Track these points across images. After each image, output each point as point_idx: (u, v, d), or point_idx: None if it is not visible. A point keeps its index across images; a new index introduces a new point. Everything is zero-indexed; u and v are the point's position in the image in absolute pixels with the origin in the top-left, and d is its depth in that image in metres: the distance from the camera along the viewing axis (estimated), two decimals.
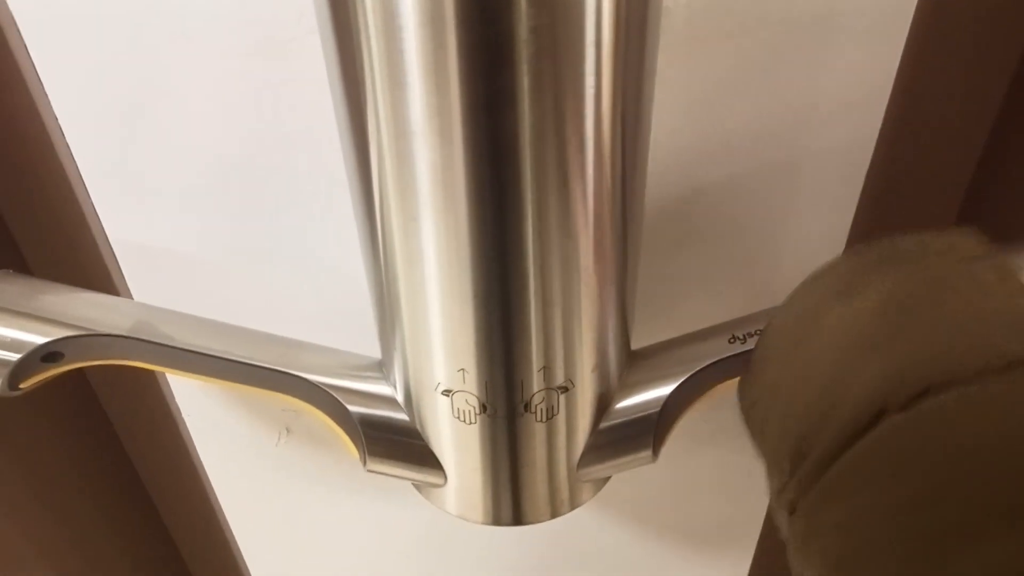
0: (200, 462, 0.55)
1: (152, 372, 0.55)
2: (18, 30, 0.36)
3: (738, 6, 0.36)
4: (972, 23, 0.44)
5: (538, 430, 0.34)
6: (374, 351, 0.38)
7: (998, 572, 0.18)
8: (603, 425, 0.37)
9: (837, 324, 0.25)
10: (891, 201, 0.50)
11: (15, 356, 0.36)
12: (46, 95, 0.38)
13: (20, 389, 0.37)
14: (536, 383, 0.32)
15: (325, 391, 0.37)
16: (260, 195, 0.41)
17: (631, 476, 0.42)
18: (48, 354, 0.37)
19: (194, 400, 0.51)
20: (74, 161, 0.40)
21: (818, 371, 0.25)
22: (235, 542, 0.61)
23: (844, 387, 0.23)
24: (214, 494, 0.57)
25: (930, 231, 0.27)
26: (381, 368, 0.38)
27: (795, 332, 0.27)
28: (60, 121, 0.39)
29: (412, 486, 0.41)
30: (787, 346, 0.27)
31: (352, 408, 0.37)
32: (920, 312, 0.24)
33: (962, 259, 0.26)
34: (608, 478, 0.41)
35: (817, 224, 0.43)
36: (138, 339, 0.37)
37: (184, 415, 0.51)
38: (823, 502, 0.23)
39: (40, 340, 0.36)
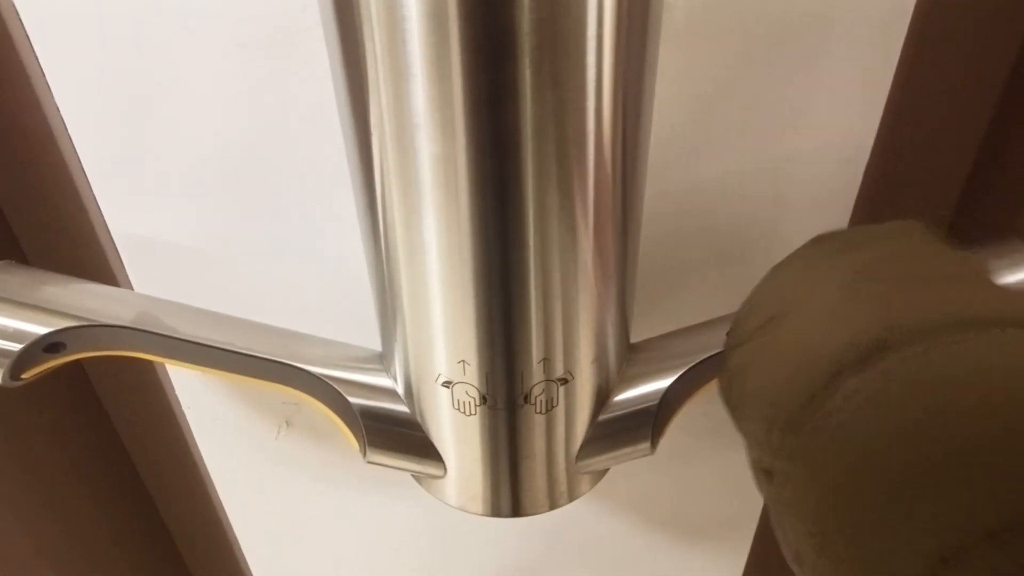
0: (200, 455, 0.55)
1: (152, 365, 0.55)
2: (21, 23, 0.37)
3: (738, 3, 0.36)
4: (971, 21, 0.44)
5: (538, 422, 0.35)
6: (375, 343, 0.38)
7: (952, 520, 0.19)
8: (602, 417, 0.37)
9: (802, 301, 0.27)
10: (889, 197, 0.50)
11: (17, 346, 0.36)
12: (49, 88, 0.38)
13: (22, 379, 0.38)
14: (536, 375, 0.33)
15: (326, 383, 0.37)
16: (262, 187, 0.41)
17: (629, 469, 0.42)
18: (50, 345, 0.37)
19: (194, 393, 0.51)
20: (76, 154, 0.40)
21: (784, 345, 0.26)
22: (234, 535, 0.61)
23: (806, 354, 0.25)
24: (213, 487, 0.57)
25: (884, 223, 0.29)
26: (382, 360, 0.38)
27: (763, 313, 0.29)
28: (63, 114, 0.39)
29: (412, 478, 0.41)
30: (756, 327, 0.28)
31: (352, 400, 0.37)
32: (876, 283, 0.26)
33: (916, 240, 0.28)
34: (606, 470, 0.41)
35: (816, 219, 0.44)
36: (140, 330, 0.37)
37: (184, 408, 0.52)
38: (796, 463, 0.24)
39: (42, 331, 0.37)
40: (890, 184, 0.49)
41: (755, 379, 0.27)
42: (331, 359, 0.38)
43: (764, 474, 0.26)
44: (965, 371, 0.22)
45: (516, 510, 0.38)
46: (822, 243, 0.30)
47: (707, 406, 0.46)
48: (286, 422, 0.52)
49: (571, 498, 0.39)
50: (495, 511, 0.38)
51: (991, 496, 0.19)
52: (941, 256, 0.27)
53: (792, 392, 0.24)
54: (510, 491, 0.37)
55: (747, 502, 0.58)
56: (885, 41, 0.38)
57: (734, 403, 0.29)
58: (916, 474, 0.21)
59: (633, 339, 0.38)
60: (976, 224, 0.52)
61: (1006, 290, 0.27)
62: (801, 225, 0.44)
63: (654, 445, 0.37)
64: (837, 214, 0.44)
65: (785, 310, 0.27)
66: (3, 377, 0.37)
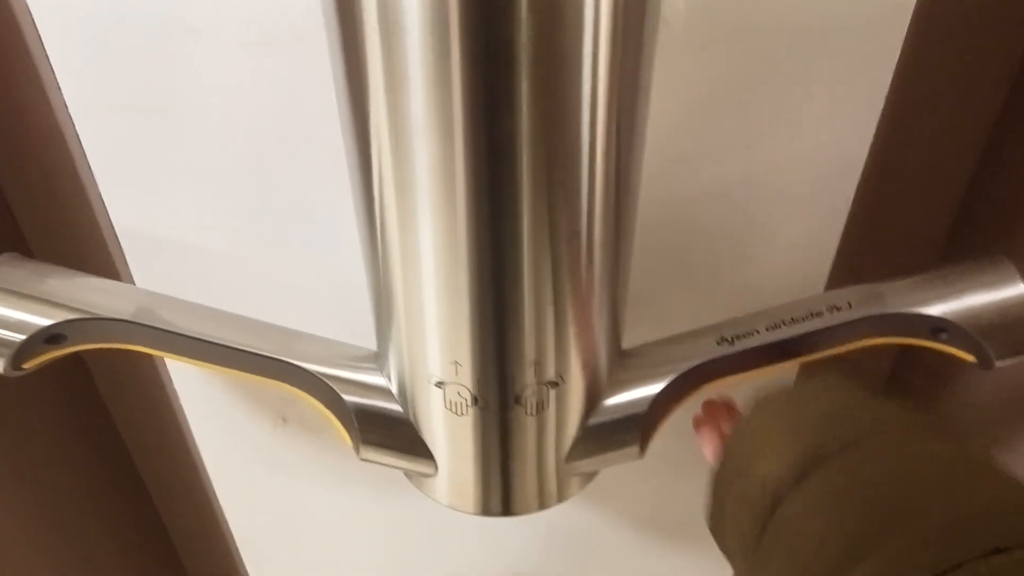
0: (197, 449, 0.56)
1: (151, 359, 0.56)
2: (33, 21, 0.37)
3: (733, 16, 0.36)
4: (968, 34, 0.45)
5: (528, 423, 0.35)
6: (370, 342, 0.39)
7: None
8: (592, 421, 0.38)
9: (757, 450, 0.33)
10: (884, 209, 0.50)
11: (19, 337, 0.37)
12: (57, 85, 0.39)
13: (23, 369, 0.38)
14: (527, 377, 0.33)
15: (321, 380, 0.38)
16: (263, 186, 0.42)
17: (620, 471, 0.43)
18: (51, 336, 0.38)
19: (192, 387, 0.51)
20: (82, 149, 0.41)
21: (745, 482, 0.33)
22: (229, 528, 0.61)
23: (761, 487, 0.31)
24: (209, 480, 0.58)
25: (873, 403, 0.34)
26: (377, 359, 0.38)
27: (733, 464, 0.35)
28: (70, 111, 0.40)
29: (405, 476, 0.41)
30: (732, 471, 0.35)
31: (347, 397, 0.38)
32: (806, 425, 0.32)
33: (839, 392, 0.34)
34: (596, 472, 0.41)
35: (808, 228, 0.44)
36: (139, 324, 0.38)
37: (182, 402, 0.52)
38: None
39: (44, 322, 0.37)
40: (885, 196, 0.49)
41: (728, 513, 0.34)
42: (327, 357, 0.39)
43: None
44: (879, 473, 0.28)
45: (506, 510, 0.39)
46: (769, 403, 0.35)
47: (697, 411, 0.47)
48: (282, 418, 0.52)
49: (560, 499, 0.40)
50: (485, 510, 0.39)
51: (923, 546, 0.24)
52: (852, 398, 0.34)
53: (752, 523, 0.31)
54: (500, 491, 0.38)
55: None
56: (880, 54, 0.39)
57: (715, 529, 0.35)
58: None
59: (624, 345, 0.39)
60: (974, 236, 0.52)
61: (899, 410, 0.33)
62: (794, 233, 0.44)
63: (643, 449, 0.38)
64: (830, 223, 0.44)
65: (747, 460, 0.34)
66: (4, 367, 0.37)
